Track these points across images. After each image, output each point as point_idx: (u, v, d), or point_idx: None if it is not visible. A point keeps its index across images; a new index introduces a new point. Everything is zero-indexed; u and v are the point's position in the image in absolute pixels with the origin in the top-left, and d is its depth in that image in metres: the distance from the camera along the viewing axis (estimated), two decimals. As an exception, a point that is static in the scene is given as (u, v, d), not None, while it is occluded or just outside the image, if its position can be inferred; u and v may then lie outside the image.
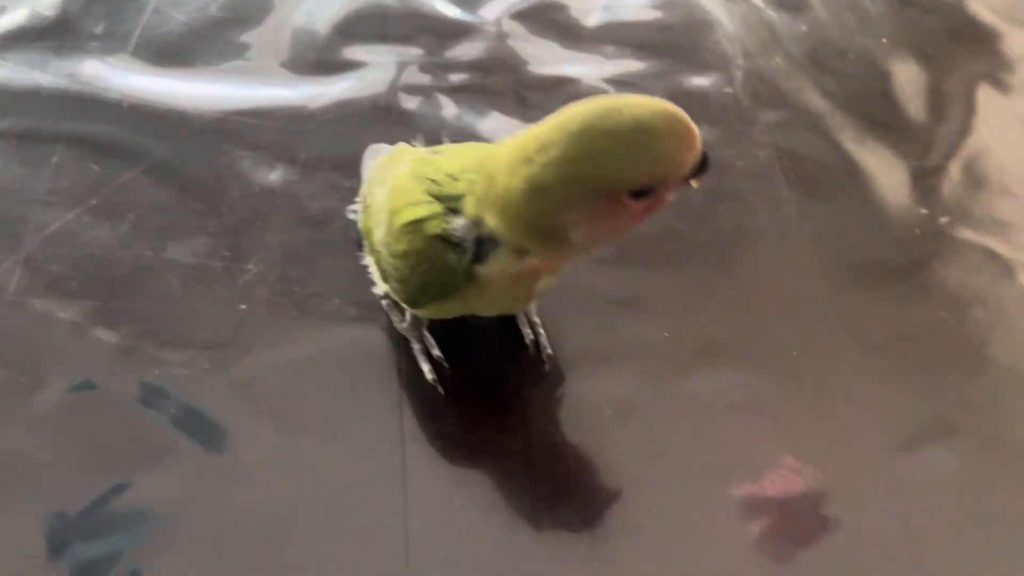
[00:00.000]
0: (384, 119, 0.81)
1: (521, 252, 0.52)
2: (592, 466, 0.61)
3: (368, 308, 0.67)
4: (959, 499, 0.61)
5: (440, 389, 0.63)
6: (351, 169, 0.73)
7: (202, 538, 0.57)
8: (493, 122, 0.82)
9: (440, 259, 0.54)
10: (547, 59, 0.88)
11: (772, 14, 0.95)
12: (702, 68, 0.88)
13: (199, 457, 0.60)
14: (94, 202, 0.74)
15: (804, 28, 0.93)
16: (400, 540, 0.57)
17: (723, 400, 0.64)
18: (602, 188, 0.47)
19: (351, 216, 0.71)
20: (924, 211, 0.77)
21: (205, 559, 0.56)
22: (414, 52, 0.88)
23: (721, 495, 0.60)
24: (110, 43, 0.87)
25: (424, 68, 0.87)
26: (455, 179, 0.54)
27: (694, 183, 0.49)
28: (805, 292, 0.71)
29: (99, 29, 0.88)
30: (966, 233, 0.76)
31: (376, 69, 0.86)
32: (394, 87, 0.84)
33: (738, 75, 0.88)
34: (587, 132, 0.46)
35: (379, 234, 0.58)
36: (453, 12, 0.92)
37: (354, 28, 0.90)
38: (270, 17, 0.90)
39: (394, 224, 0.56)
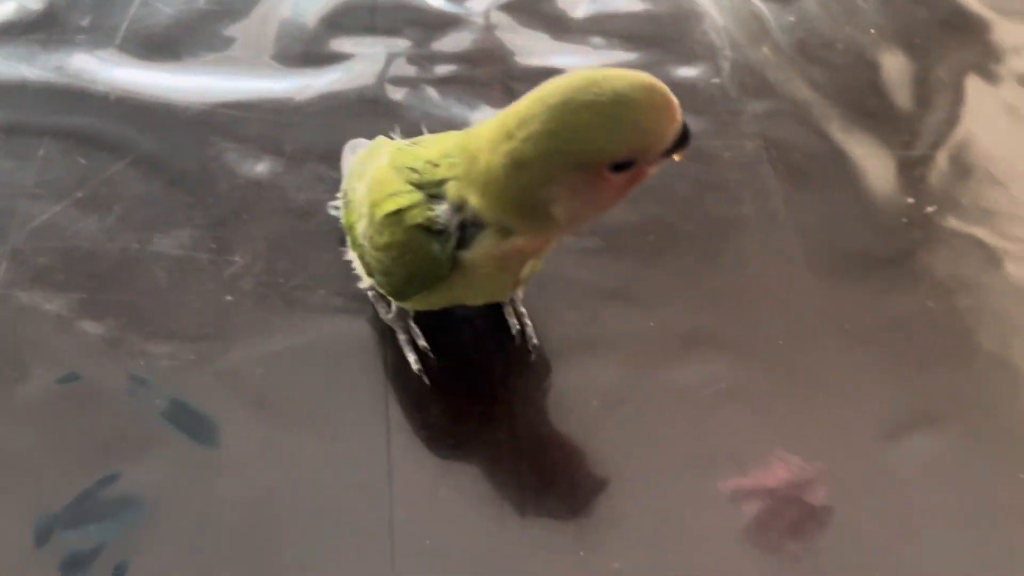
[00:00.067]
0: (371, 111, 0.81)
1: (505, 233, 0.52)
2: (578, 456, 0.61)
3: (354, 299, 0.67)
4: (946, 487, 0.61)
5: (426, 379, 0.63)
6: (338, 161, 0.73)
7: (189, 529, 0.57)
8: (481, 114, 0.82)
9: (423, 249, 0.54)
10: (535, 50, 0.88)
11: (760, 5, 0.95)
12: (690, 59, 0.88)
13: (185, 448, 0.60)
14: (81, 195, 0.74)
15: (792, 18, 0.93)
16: (385, 530, 0.57)
17: (709, 390, 0.64)
18: (583, 161, 0.47)
19: (333, 212, 0.71)
20: (911, 200, 0.77)
21: (192, 550, 0.57)
22: (401, 44, 0.88)
23: (707, 484, 0.60)
24: (97, 36, 0.87)
25: (411, 60, 0.87)
26: (435, 165, 0.53)
27: (676, 157, 0.49)
28: (792, 282, 0.71)
29: (86, 22, 0.88)
30: (953, 222, 0.76)
31: (363, 61, 0.86)
32: (381, 79, 0.84)
33: (726, 66, 0.88)
34: (567, 105, 0.46)
35: (361, 228, 0.58)
36: (440, 4, 0.92)
37: (341, 20, 0.90)
38: (257, 9, 0.90)
39: (376, 216, 0.55)
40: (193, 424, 0.61)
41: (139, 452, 0.60)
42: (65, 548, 0.56)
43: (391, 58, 0.86)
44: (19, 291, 0.67)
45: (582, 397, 0.64)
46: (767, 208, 0.76)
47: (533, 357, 0.65)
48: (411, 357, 0.64)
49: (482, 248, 0.53)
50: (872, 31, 0.92)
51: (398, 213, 0.54)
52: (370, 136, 0.68)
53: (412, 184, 0.54)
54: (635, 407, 0.63)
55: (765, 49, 0.90)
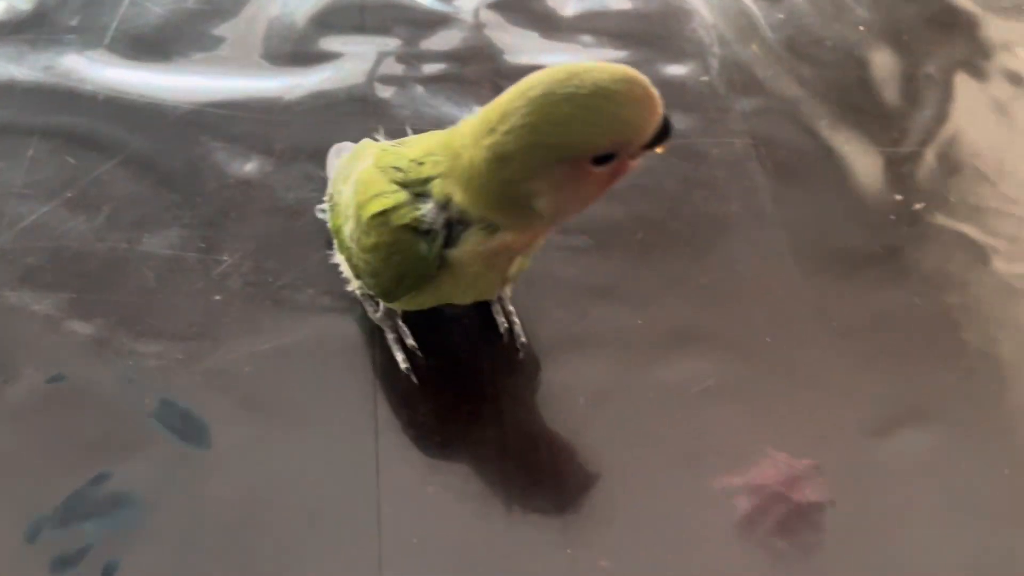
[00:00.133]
0: (360, 110, 0.81)
1: (491, 229, 0.52)
2: (566, 454, 0.61)
3: (342, 298, 0.67)
4: (934, 482, 0.61)
5: (414, 378, 0.64)
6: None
7: (178, 527, 0.57)
8: (470, 113, 0.81)
9: (410, 249, 0.54)
10: (524, 49, 0.88)
11: (749, 2, 0.95)
12: (678, 56, 0.88)
13: (174, 447, 0.60)
14: (69, 195, 0.74)
15: (781, 16, 0.93)
16: (374, 528, 0.57)
17: (697, 386, 0.65)
18: (564, 154, 0.47)
19: (320, 215, 0.71)
20: (899, 197, 0.77)
21: (181, 548, 0.57)
22: (391, 43, 0.88)
23: (695, 481, 0.60)
24: (86, 36, 0.87)
25: (401, 59, 0.87)
26: (420, 163, 0.53)
27: (659, 149, 0.49)
28: (780, 279, 0.71)
29: (75, 22, 0.88)
30: (941, 219, 0.76)
31: (352, 60, 0.86)
32: (370, 78, 0.84)
33: (714, 63, 0.88)
34: (547, 98, 0.46)
35: (348, 230, 0.58)
36: (429, 2, 0.92)
37: (330, 19, 0.90)
38: (246, 9, 0.90)
39: (362, 217, 0.55)
40: (182, 423, 0.61)
41: (128, 451, 0.60)
42: (55, 547, 0.56)
43: (380, 57, 0.86)
44: (8, 291, 0.67)
45: (570, 395, 0.64)
46: (755, 205, 0.76)
47: (521, 355, 0.65)
48: (399, 356, 0.64)
49: (469, 246, 0.53)
50: (861, 28, 0.93)
51: (384, 214, 0.54)
52: (359, 136, 0.68)
53: (397, 183, 0.54)
54: (623, 405, 0.64)
55: (754, 46, 0.90)
